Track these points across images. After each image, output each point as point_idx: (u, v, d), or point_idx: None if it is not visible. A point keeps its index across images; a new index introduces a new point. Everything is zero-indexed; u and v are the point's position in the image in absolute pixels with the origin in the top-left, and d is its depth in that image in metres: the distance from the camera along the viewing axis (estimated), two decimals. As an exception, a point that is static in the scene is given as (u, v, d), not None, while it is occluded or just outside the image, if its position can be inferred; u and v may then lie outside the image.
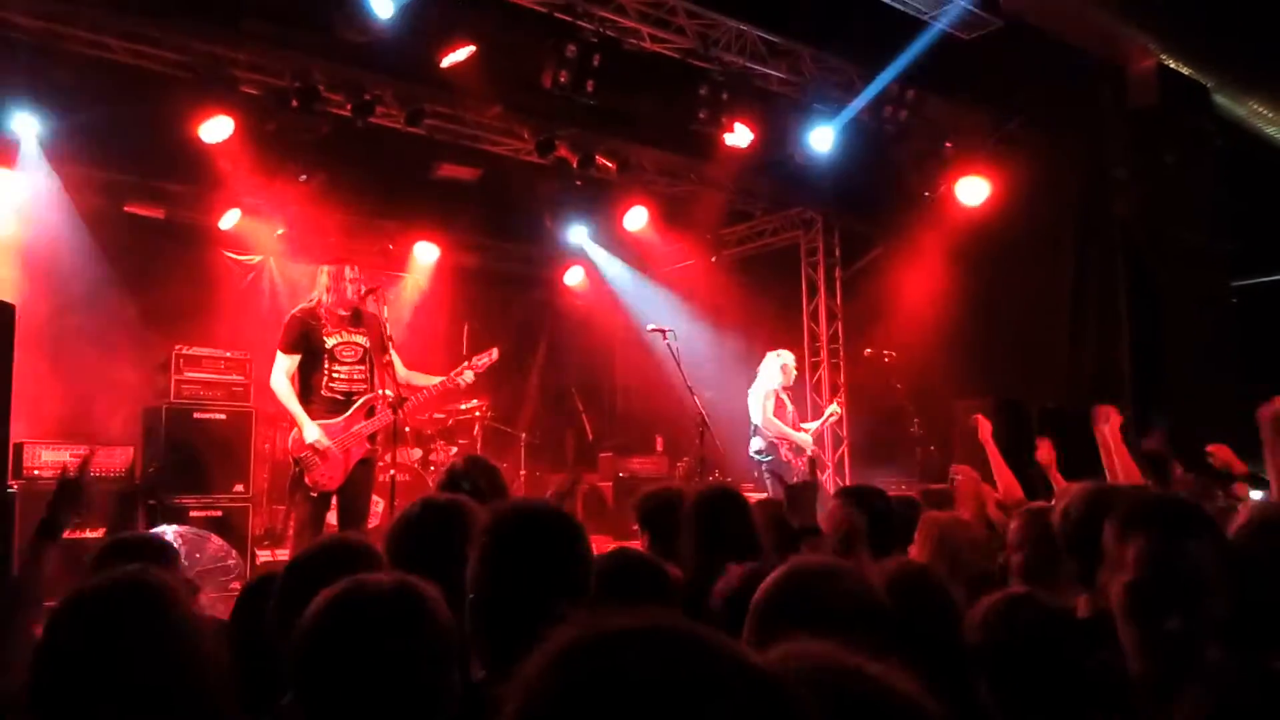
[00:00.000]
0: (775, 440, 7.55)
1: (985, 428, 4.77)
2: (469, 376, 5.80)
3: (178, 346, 7.30)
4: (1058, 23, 7.57)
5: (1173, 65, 8.08)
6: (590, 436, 10.30)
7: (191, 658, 1.60)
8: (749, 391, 7.75)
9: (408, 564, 1.93)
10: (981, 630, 1.76)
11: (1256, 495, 3.91)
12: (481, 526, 1.90)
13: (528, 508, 2.01)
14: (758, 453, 7.61)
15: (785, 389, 7.75)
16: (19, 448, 6.31)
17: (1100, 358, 7.95)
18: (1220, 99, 8.42)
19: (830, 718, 0.63)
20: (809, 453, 7.64)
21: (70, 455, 6.16)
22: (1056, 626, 1.70)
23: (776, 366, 7.73)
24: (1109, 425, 4.24)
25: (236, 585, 5.49)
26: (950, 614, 1.86)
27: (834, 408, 8.66)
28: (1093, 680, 1.67)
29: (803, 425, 7.99)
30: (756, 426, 7.59)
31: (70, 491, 2.52)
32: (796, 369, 8.00)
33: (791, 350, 9.05)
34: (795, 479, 7.46)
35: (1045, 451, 4.49)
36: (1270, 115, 8.49)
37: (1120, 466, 4.12)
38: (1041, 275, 8.32)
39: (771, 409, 7.57)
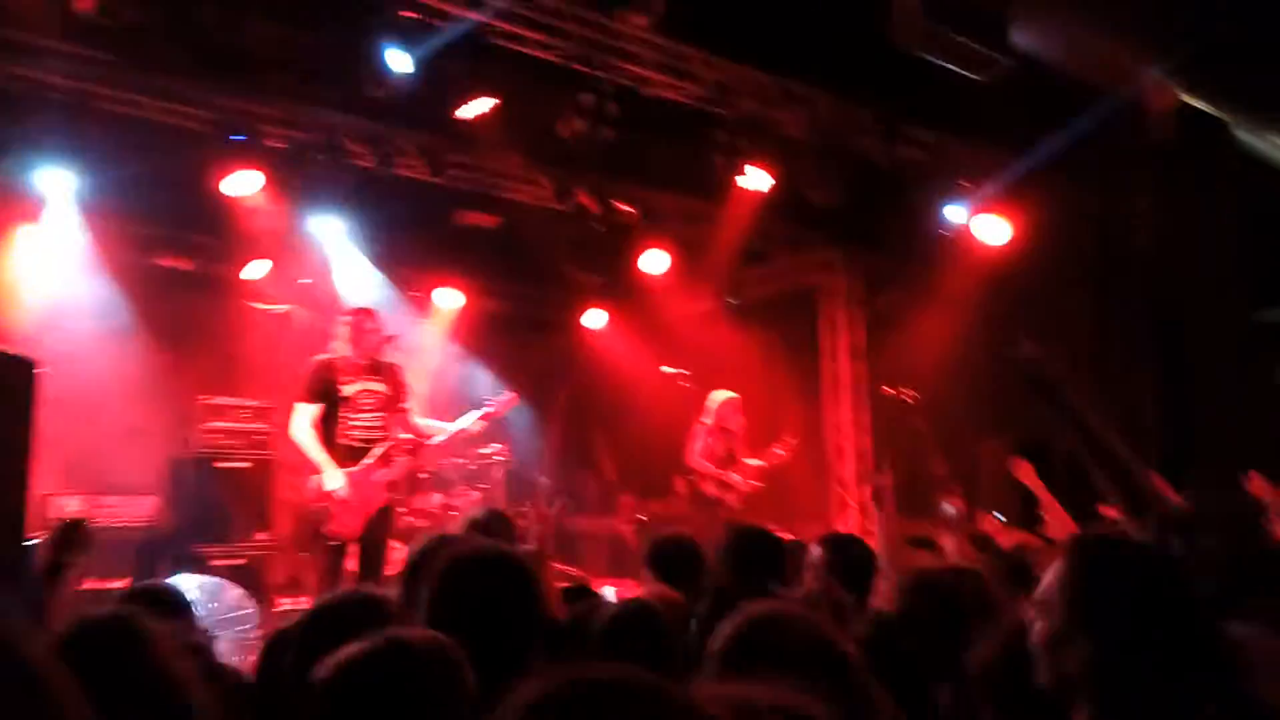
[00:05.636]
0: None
1: (1024, 469, 4.75)
2: (480, 423, 5.84)
3: (201, 396, 7.40)
4: (1072, 62, 7.58)
5: (1190, 101, 8.05)
6: (612, 479, 10.27)
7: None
8: None
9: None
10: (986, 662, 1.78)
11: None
12: (436, 568, 1.94)
13: (478, 551, 2.04)
14: None
15: (718, 428, 7.62)
16: (43, 499, 6.38)
17: (1126, 395, 7.85)
18: (1240, 134, 8.37)
19: None
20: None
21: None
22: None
23: (713, 405, 7.66)
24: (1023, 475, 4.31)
25: (256, 634, 5.48)
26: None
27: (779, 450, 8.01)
28: None
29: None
30: None
31: (67, 533, 2.56)
32: (737, 410, 7.74)
33: (812, 392, 8.93)
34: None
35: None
36: (1292, 148, 8.42)
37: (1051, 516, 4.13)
38: (1063, 313, 8.26)
39: (699, 449, 7.53)
